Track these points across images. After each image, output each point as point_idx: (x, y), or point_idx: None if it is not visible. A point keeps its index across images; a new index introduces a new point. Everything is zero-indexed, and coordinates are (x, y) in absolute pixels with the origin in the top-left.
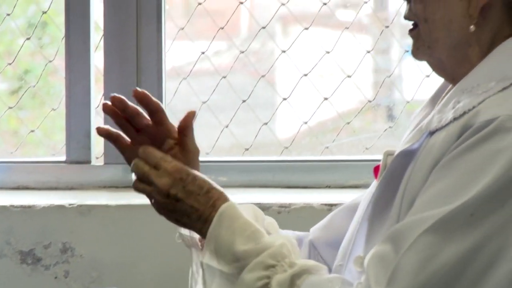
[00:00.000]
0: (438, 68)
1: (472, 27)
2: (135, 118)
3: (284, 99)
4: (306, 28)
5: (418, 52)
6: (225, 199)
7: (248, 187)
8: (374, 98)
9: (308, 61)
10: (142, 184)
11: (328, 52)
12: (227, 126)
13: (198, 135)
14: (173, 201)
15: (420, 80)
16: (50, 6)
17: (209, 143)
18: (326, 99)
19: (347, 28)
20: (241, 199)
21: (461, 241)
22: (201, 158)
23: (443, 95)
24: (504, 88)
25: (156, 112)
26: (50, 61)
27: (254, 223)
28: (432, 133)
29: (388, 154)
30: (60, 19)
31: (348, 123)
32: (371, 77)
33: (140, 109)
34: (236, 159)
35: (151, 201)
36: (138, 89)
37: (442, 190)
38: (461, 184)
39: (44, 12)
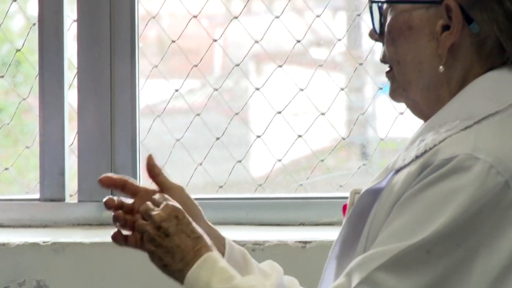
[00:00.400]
0: (415, 109)
1: (441, 68)
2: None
3: (258, 136)
4: (280, 66)
5: (395, 94)
6: (211, 250)
7: (222, 224)
8: (348, 136)
9: (282, 99)
10: (141, 220)
11: (302, 90)
12: (201, 164)
13: (172, 173)
14: (163, 235)
15: (394, 117)
16: (24, 44)
17: (183, 180)
18: (300, 136)
19: (320, 66)
20: None
21: (416, 279)
22: None
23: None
24: (467, 127)
25: (125, 186)
26: (24, 99)
27: (234, 270)
28: (397, 171)
29: (355, 192)
30: (34, 57)
31: (322, 160)
32: (345, 114)
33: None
34: (210, 196)
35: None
36: (102, 179)
37: (399, 227)
38: (419, 221)
39: (18, 50)
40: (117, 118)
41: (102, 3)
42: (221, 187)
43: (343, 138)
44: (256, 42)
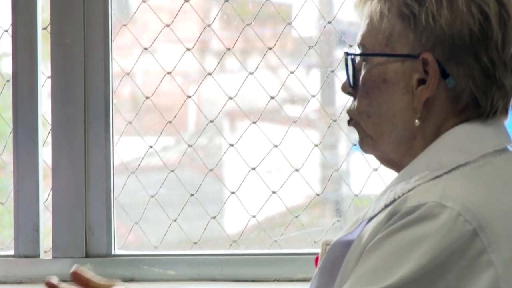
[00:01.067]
0: (384, 160)
1: (416, 121)
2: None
3: (232, 193)
4: (254, 122)
5: (363, 143)
6: None
7: (196, 280)
8: (322, 192)
9: (256, 155)
10: None
11: (276, 146)
12: (175, 220)
13: (146, 230)
14: None
15: (368, 174)
16: None
17: (157, 237)
18: (274, 193)
19: (294, 122)
20: None
21: None
22: (149, 252)
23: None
24: (436, 177)
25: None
26: None
27: None
28: (368, 222)
29: (326, 244)
30: (8, 114)
31: (296, 217)
32: (319, 171)
33: None
34: (184, 252)
35: None
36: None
37: (367, 271)
38: (386, 266)
39: None
40: (91, 174)
41: (76, 60)
42: (195, 243)
43: (318, 195)
44: (230, 98)
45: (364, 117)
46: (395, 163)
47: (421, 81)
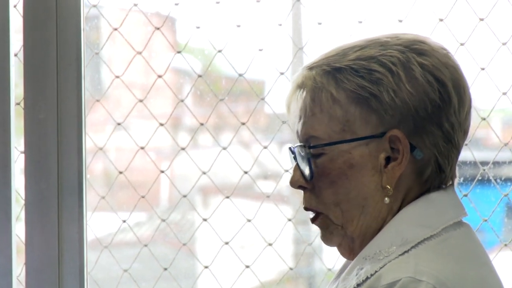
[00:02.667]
0: (346, 249)
1: (386, 199)
2: None
3: (206, 267)
4: (227, 197)
5: (332, 235)
6: None
7: None
8: (295, 267)
9: (229, 230)
10: None
11: (249, 221)
12: None
13: None
14: None
15: None
16: None
17: None
18: (247, 267)
19: (268, 197)
20: None
21: None
22: None
23: (348, 264)
24: (405, 252)
25: None
26: None
27: None
28: None
29: None
30: None
31: None
32: (292, 246)
33: None
34: None
35: None
36: None
37: None
38: None
39: None
40: (64, 250)
41: (50, 135)
42: None
43: (291, 269)
44: (204, 173)
45: (331, 207)
46: (356, 252)
47: (387, 159)
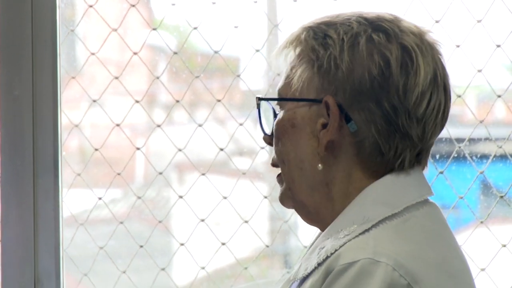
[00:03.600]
0: (302, 212)
1: (319, 166)
2: None
3: (182, 244)
4: (203, 174)
5: (282, 196)
6: None
7: None
8: (271, 244)
9: (205, 207)
10: None
11: (225, 198)
12: (124, 272)
13: (95, 282)
14: None
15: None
16: None
17: None
18: (223, 244)
19: (243, 174)
20: None
21: None
22: None
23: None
24: (366, 231)
25: None
26: None
27: None
28: (301, 282)
29: None
30: None
31: (246, 268)
32: (268, 223)
33: None
34: None
35: None
36: None
37: None
38: None
39: None
40: (40, 227)
41: (25, 112)
42: None
43: (267, 246)
44: (179, 150)
45: (281, 164)
46: (313, 215)
47: (326, 126)
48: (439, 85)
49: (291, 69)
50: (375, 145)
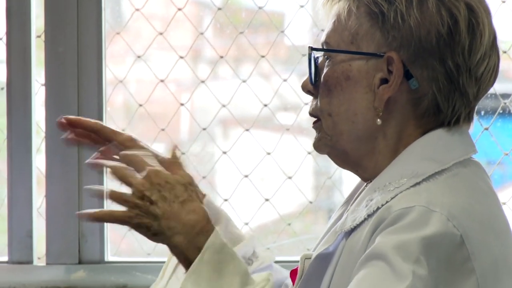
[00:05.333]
0: (340, 159)
1: (378, 121)
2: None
3: (225, 200)
4: (247, 130)
5: (319, 143)
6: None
7: None
8: (315, 200)
9: (249, 163)
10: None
11: (268, 154)
12: None
13: (139, 237)
14: (147, 204)
15: None
16: None
17: (150, 244)
18: (267, 200)
19: (287, 130)
20: None
21: None
22: (142, 259)
23: (356, 195)
24: (416, 184)
25: (98, 132)
26: None
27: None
28: (348, 234)
29: (305, 257)
30: (2, 121)
31: (289, 224)
32: (312, 179)
33: None
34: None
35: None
36: (66, 118)
37: (379, 274)
38: (395, 272)
39: None
40: (84, 181)
41: (70, 67)
42: None
43: (310, 202)
44: (223, 106)
45: (325, 115)
46: (353, 164)
47: (383, 81)
48: (496, 46)
49: (345, 20)
50: (433, 103)
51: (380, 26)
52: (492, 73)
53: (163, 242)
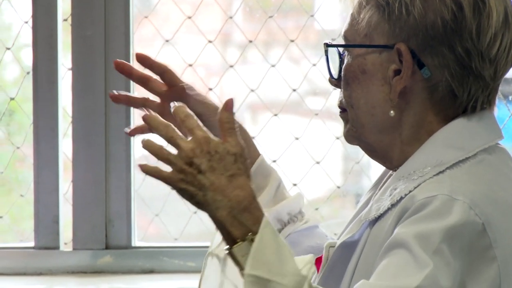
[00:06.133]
0: (368, 151)
1: (392, 112)
2: (147, 84)
3: None
4: (276, 115)
5: (348, 134)
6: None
7: None
8: (343, 185)
9: (277, 148)
10: (166, 150)
11: (297, 139)
12: (195, 212)
13: (166, 222)
14: (195, 172)
15: None
16: (18, 93)
17: (177, 229)
18: (295, 185)
19: (316, 115)
20: None
21: None
22: (169, 244)
23: (384, 180)
24: (440, 172)
25: (164, 74)
26: (18, 148)
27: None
28: (372, 222)
29: (330, 246)
30: (28, 106)
31: (317, 209)
32: (340, 164)
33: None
34: (204, 244)
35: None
36: (140, 53)
37: (400, 263)
38: (416, 260)
39: (12, 99)
40: (112, 167)
41: (97, 52)
42: None
43: (338, 187)
44: (252, 90)
45: (349, 108)
46: (380, 155)
47: (397, 72)
48: (510, 23)
49: (358, 14)
50: (448, 89)
51: (387, 18)
52: (509, 51)
53: (205, 212)
